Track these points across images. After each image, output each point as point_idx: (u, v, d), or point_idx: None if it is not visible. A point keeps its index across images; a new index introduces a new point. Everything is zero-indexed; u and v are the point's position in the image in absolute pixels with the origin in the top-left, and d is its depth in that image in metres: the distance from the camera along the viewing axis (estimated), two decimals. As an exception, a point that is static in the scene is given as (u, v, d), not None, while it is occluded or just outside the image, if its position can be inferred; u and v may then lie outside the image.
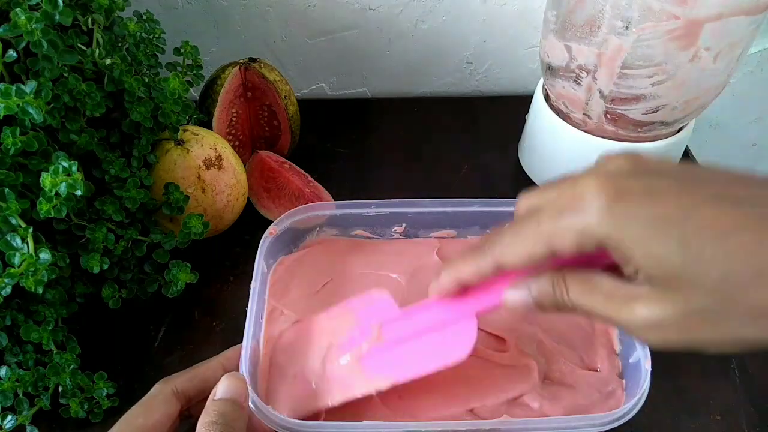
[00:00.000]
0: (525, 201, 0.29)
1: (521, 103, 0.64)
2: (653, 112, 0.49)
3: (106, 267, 0.42)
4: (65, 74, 0.40)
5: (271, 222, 0.45)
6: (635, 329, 0.25)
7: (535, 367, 0.41)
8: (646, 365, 0.38)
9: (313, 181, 0.57)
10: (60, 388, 0.41)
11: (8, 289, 0.35)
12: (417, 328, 0.36)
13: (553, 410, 0.39)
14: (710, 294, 0.23)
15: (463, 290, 0.33)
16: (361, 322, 0.38)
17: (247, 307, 0.40)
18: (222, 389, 0.32)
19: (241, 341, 0.48)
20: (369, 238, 0.50)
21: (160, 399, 0.33)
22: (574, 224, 0.25)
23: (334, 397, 0.37)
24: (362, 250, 0.49)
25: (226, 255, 0.53)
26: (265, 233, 0.45)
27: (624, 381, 0.41)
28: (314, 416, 0.38)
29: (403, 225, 0.49)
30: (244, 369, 0.36)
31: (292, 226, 0.47)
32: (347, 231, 0.49)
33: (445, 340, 0.35)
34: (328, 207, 0.47)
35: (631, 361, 0.40)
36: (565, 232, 0.25)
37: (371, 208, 0.47)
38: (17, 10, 0.36)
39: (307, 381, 0.38)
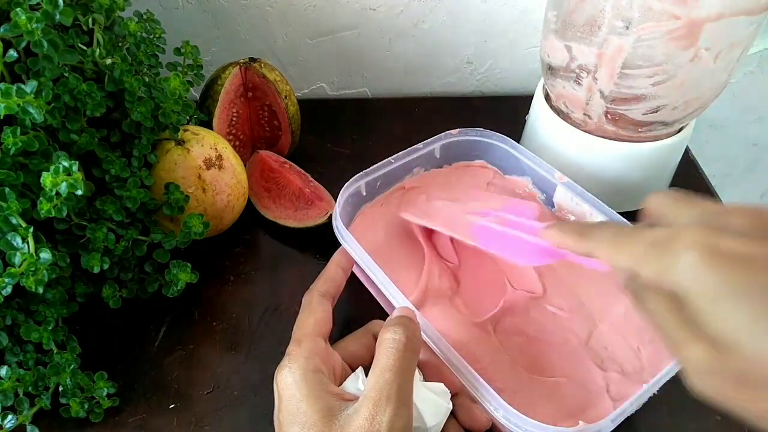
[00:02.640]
0: (655, 204, 0.30)
1: (521, 103, 0.64)
2: (653, 112, 0.49)
3: (106, 267, 0.42)
4: (66, 74, 0.40)
5: (272, 222, 0.46)
6: (684, 366, 0.26)
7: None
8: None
9: (313, 181, 0.57)
10: (60, 388, 0.41)
11: (9, 289, 0.35)
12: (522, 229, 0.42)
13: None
14: (756, 370, 0.23)
15: None
16: (503, 208, 0.46)
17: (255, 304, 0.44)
18: (398, 311, 0.39)
19: (241, 342, 0.48)
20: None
21: (315, 302, 0.40)
22: (660, 264, 0.26)
23: (436, 223, 0.46)
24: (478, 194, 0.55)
25: (227, 255, 0.53)
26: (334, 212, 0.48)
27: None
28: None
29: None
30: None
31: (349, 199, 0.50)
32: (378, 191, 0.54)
33: (526, 247, 0.40)
34: (359, 179, 0.51)
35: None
36: (651, 267, 0.26)
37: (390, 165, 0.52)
38: (18, 9, 0.36)
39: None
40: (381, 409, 0.32)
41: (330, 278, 0.43)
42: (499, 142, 0.56)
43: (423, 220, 0.48)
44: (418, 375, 0.37)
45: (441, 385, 0.37)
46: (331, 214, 0.53)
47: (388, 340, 0.35)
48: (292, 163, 0.59)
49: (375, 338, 0.38)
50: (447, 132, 0.55)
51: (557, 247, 0.35)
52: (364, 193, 0.51)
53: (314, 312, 0.39)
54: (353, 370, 0.38)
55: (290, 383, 0.34)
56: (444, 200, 0.51)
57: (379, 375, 0.33)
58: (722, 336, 0.24)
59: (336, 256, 0.45)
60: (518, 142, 0.64)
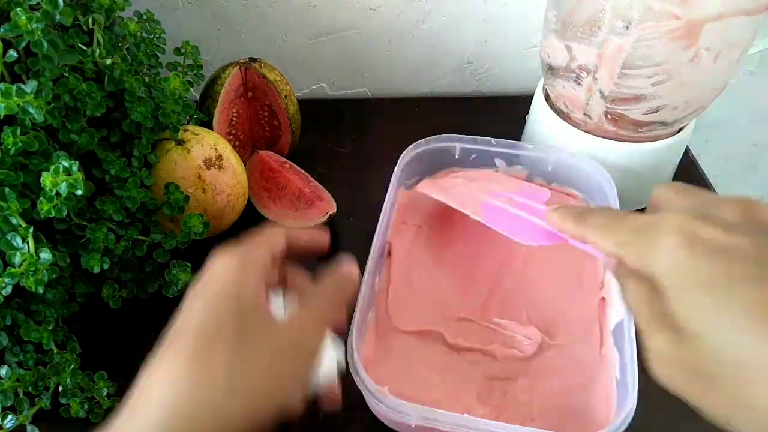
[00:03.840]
0: (657, 195, 0.30)
1: (521, 103, 0.63)
2: (653, 112, 0.49)
3: (106, 267, 0.42)
4: (66, 74, 0.40)
5: (272, 222, 0.46)
6: (647, 352, 0.26)
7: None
8: (634, 393, 0.38)
9: (313, 180, 0.57)
10: (60, 388, 0.41)
11: (9, 289, 0.35)
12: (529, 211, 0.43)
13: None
14: (718, 369, 0.23)
15: None
16: (518, 192, 0.47)
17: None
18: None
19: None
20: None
21: (272, 231, 0.37)
22: (641, 248, 0.26)
23: (449, 198, 0.47)
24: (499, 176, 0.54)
25: (227, 255, 0.53)
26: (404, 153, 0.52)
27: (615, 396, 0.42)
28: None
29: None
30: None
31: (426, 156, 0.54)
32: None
33: (533, 228, 0.41)
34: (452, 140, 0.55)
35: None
36: (633, 252, 0.27)
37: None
38: (18, 9, 0.36)
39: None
40: (315, 324, 0.32)
41: (297, 235, 0.39)
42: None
43: (436, 193, 0.48)
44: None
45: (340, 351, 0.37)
46: (330, 214, 0.53)
47: (352, 273, 0.36)
48: (292, 163, 0.59)
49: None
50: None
51: (557, 230, 0.35)
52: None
53: (270, 235, 0.37)
54: None
55: (222, 268, 0.32)
56: (465, 179, 0.52)
57: (313, 294, 0.34)
58: (685, 326, 0.24)
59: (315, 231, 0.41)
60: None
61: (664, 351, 0.25)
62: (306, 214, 0.54)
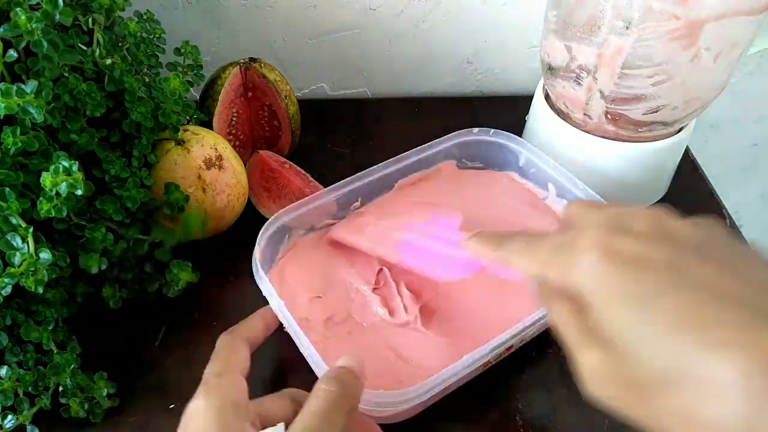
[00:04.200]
0: (568, 212, 0.30)
1: (521, 103, 0.64)
2: (653, 112, 0.49)
3: (104, 267, 0.42)
4: (66, 74, 0.40)
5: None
6: (581, 373, 0.26)
7: None
8: None
9: (314, 180, 0.57)
10: (60, 388, 0.41)
11: (8, 289, 0.35)
12: (445, 242, 0.43)
13: None
14: (650, 379, 0.23)
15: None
16: (430, 222, 0.46)
17: (255, 304, 0.43)
18: (343, 360, 0.35)
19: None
20: (333, 222, 0.53)
21: (236, 343, 0.37)
22: (562, 265, 0.27)
23: (361, 242, 0.47)
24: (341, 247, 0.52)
25: (227, 255, 0.53)
26: (254, 255, 0.45)
27: None
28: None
29: (359, 199, 0.53)
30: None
31: (273, 237, 0.48)
32: (313, 227, 0.52)
33: (451, 262, 0.41)
34: (288, 212, 0.48)
35: None
36: (555, 271, 0.27)
37: (324, 198, 0.50)
38: (17, 9, 0.36)
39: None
40: None
41: (253, 327, 0.40)
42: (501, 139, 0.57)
43: (350, 238, 0.48)
44: None
45: None
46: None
47: (320, 390, 0.32)
48: (292, 164, 0.59)
49: (294, 402, 0.35)
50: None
51: (476, 257, 0.35)
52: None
53: (236, 351, 0.36)
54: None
55: (202, 411, 0.31)
56: (371, 215, 0.51)
57: (300, 418, 0.30)
58: (613, 339, 0.24)
59: (262, 310, 0.42)
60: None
61: (595, 367, 0.25)
62: None
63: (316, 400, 0.31)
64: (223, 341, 0.37)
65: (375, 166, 0.52)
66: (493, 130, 0.56)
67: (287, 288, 0.47)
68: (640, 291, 0.23)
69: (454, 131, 0.57)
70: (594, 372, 0.25)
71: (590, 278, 0.25)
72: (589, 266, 0.25)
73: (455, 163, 0.58)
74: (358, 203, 0.53)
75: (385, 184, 0.54)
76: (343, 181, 0.51)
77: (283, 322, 0.42)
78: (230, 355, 0.36)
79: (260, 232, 0.46)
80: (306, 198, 0.49)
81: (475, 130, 0.56)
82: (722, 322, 0.21)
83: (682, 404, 0.22)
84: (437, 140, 0.55)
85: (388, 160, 0.53)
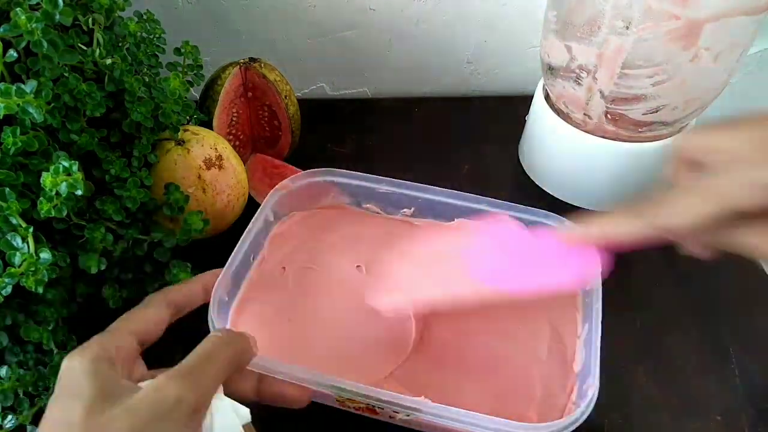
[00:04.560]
0: (696, 144, 0.28)
1: (521, 103, 0.64)
2: (654, 112, 0.49)
3: (104, 267, 0.42)
4: (65, 74, 0.40)
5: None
6: None
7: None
8: (591, 392, 0.36)
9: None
10: (60, 388, 0.40)
11: (8, 289, 0.35)
12: (527, 253, 0.38)
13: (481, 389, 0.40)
14: None
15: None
16: (482, 238, 0.41)
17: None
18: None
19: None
20: (377, 213, 0.52)
21: (153, 303, 0.37)
22: (763, 179, 0.24)
23: (440, 300, 0.39)
24: (363, 222, 0.51)
25: (227, 255, 0.53)
26: (278, 186, 0.48)
27: (575, 404, 0.39)
28: None
29: (412, 208, 0.51)
30: (214, 300, 0.40)
31: (309, 186, 0.50)
32: (360, 203, 0.52)
33: (559, 266, 0.36)
34: (344, 175, 0.50)
35: (583, 387, 0.39)
36: (755, 187, 0.25)
37: (383, 185, 0.50)
38: (17, 9, 0.36)
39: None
40: (173, 382, 0.29)
41: (186, 289, 0.39)
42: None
43: (412, 301, 0.41)
44: (220, 389, 0.33)
45: (246, 409, 0.33)
46: None
47: (211, 336, 0.33)
48: (288, 164, 0.59)
49: (170, 308, 0.37)
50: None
51: (611, 238, 0.32)
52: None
53: (145, 313, 0.36)
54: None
55: (75, 366, 0.30)
56: (409, 264, 0.43)
57: (186, 359, 0.31)
58: None
59: (206, 274, 0.41)
60: (518, 142, 0.64)
61: None
62: None
63: (203, 343, 0.32)
64: (145, 299, 0.38)
65: (442, 190, 0.48)
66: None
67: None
68: None
69: (455, 131, 0.57)
70: None
71: None
72: None
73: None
74: (410, 211, 0.51)
75: (445, 212, 0.49)
76: (405, 182, 0.49)
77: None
78: (134, 314, 0.36)
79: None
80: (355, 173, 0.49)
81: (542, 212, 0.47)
82: None
83: None
84: (520, 206, 0.46)
85: (463, 194, 0.48)
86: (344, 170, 0.50)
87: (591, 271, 0.35)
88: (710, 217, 0.26)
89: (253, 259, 0.47)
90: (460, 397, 0.39)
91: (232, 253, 0.42)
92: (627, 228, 0.31)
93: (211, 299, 0.39)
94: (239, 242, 0.43)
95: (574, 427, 0.34)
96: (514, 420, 0.34)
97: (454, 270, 0.39)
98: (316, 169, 0.49)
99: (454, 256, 0.40)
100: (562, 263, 0.36)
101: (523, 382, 0.41)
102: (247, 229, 0.45)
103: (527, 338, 0.43)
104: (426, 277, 0.41)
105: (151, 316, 0.36)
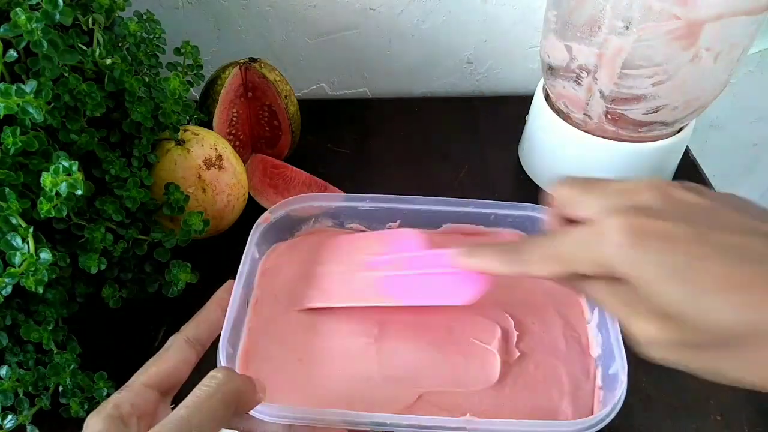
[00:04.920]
0: (562, 197, 0.31)
1: (521, 103, 0.64)
2: (654, 112, 0.49)
3: (103, 267, 0.42)
4: (66, 74, 0.40)
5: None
6: (638, 341, 0.27)
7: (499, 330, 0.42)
8: (623, 377, 0.37)
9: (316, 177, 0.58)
10: (60, 388, 0.41)
11: (9, 289, 0.35)
12: (428, 267, 0.40)
13: (516, 396, 0.40)
14: (708, 336, 0.25)
15: None
16: (389, 248, 0.43)
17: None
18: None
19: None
20: (363, 231, 0.50)
21: (173, 348, 0.35)
22: (594, 258, 0.27)
23: (341, 301, 0.42)
24: (352, 240, 0.48)
25: (227, 255, 0.53)
26: (259, 219, 0.46)
27: (601, 389, 0.40)
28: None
29: (398, 221, 0.48)
30: (222, 352, 0.37)
31: (289, 215, 0.47)
32: (343, 223, 0.50)
33: (452, 283, 0.38)
34: (323, 198, 0.48)
35: (610, 372, 0.39)
36: (586, 262, 0.27)
37: (366, 203, 0.48)
38: (17, 9, 0.36)
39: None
40: None
41: (204, 320, 0.38)
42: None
43: (320, 301, 0.43)
44: None
45: None
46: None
47: (205, 379, 0.31)
48: (288, 164, 0.60)
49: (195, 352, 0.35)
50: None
51: (484, 272, 0.35)
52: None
53: (165, 360, 0.35)
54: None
55: (90, 425, 0.30)
56: (320, 263, 0.45)
57: (176, 410, 0.29)
58: (667, 310, 0.25)
59: (217, 293, 0.40)
60: (518, 142, 0.64)
61: (653, 336, 0.26)
62: None
63: (197, 389, 0.30)
64: (168, 342, 0.36)
65: (426, 198, 0.47)
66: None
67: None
68: (681, 263, 0.25)
69: (455, 131, 0.56)
70: (653, 339, 0.26)
71: (628, 263, 0.26)
72: (624, 252, 0.25)
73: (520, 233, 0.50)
74: (396, 224, 0.49)
75: (431, 221, 0.48)
76: (387, 196, 0.47)
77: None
78: (153, 365, 0.34)
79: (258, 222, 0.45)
80: (334, 194, 0.47)
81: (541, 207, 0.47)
82: None
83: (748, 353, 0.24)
84: (506, 203, 0.47)
85: (448, 199, 0.47)
86: (322, 193, 0.49)
87: (476, 289, 0.37)
88: (556, 273, 0.29)
89: (248, 302, 0.44)
90: (497, 405, 0.39)
91: (230, 300, 0.39)
92: (494, 267, 0.33)
93: (218, 353, 0.37)
94: (234, 288, 0.41)
95: (617, 409, 0.35)
96: (552, 415, 0.36)
97: (362, 279, 0.42)
98: (294, 197, 0.47)
99: (363, 265, 0.43)
100: (449, 282, 0.38)
101: (551, 375, 0.41)
102: (238, 272, 0.42)
103: (542, 332, 0.43)
104: (339, 284, 0.43)
105: (171, 361, 0.35)
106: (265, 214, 0.46)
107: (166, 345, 0.36)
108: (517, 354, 0.41)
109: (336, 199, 0.48)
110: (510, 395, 0.40)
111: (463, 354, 0.41)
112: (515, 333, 0.42)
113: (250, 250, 0.44)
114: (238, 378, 0.31)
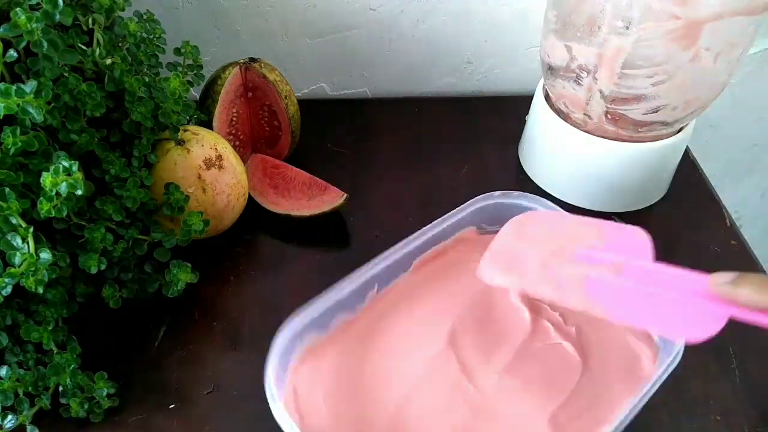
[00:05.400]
0: None
1: (521, 103, 0.64)
2: (653, 112, 0.49)
3: (103, 267, 0.42)
4: (66, 74, 0.40)
5: (275, 220, 0.44)
6: None
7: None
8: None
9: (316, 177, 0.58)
10: (60, 388, 0.41)
11: (9, 289, 0.35)
12: (658, 284, 0.33)
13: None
14: None
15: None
16: (608, 246, 0.36)
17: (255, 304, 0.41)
18: None
19: (241, 342, 0.48)
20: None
21: None
22: None
23: (543, 290, 0.36)
24: (566, 222, 0.42)
25: (227, 255, 0.53)
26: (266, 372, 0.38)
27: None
28: None
29: (376, 286, 0.44)
30: None
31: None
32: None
33: (685, 313, 0.32)
34: (300, 316, 0.40)
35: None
36: None
37: (339, 292, 0.42)
38: (17, 9, 0.36)
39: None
40: None
41: None
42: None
43: (518, 281, 0.37)
44: None
45: None
46: (346, 197, 0.53)
47: None
48: (288, 164, 0.59)
49: None
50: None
51: (736, 304, 0.29)
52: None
53: None
54: None
55: None
56: (525, 240, 0.39)
57: None
58: None
59: None
60: (518, 142, 0.64)
61: None
62: (322, 200, 0.55)
63: None
64: None
65: (389, 250, 0.44)
66: (517, 193, 0.48)
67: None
68: None
69: (455, 131, 0.56)
70: None
71: None
72: None
73: (475, 229, 0.49)
74: (374, 290, 0.44)
75: (402, 266, 0.46)
76: (356, 271, 0.42)
77: None
78: None
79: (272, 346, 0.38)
80: (316, 297, 0.40)
81: (496, 193, 0.48)
82: None
83: None
84: (453, 212, 0.46)
85: (403, 241, 0.44)
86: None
87: (704, 333, 0.30)
88: None
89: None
90: (608, 401, 0.38)
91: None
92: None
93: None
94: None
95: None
96: None
97: (571, 273, 0.36)
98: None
99: (574, 257, 0.37)
100: (680, 310, 0.32)
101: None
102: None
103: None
104: (540, 268, 0.37)
105: None
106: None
107: None
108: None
109: (329, 298, 0.41)
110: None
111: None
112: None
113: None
114: None
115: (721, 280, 0.29)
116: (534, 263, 0.37)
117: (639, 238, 0.36)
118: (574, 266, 0.36)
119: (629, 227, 0.38)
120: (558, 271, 0.36)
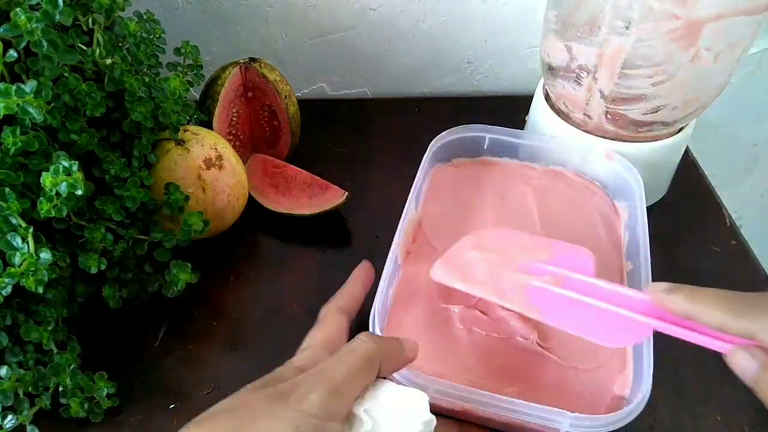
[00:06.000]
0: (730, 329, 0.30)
1: (521, 103, 0.64)
2: (653, 112, 0.49)
3: (103, 267, 0.42)
4: (65, 74, 0.40)
5: (276, 220, 0.45)
6: None
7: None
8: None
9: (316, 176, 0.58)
10: (60, 388, 0.41)
11: (9, 289, 0.35)
12: (593, 296, 0.37)
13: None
14: None
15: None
16: (554, 260, 0.40)
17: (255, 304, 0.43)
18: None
19: (241, 342, 0.48)
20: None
21: (329, 316, 0.40)
22: None
23: (480, 288, 0.40)
24: (519, 237, 0.46)
25: (227, 255, 0.53)
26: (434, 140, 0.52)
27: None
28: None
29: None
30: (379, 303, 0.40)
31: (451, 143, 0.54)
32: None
33: (613, 323, 0.35)
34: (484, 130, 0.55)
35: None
36: None
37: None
38: (17, 9, 0.36)
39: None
40: (306, 384, 0.29)
41: (349, 293, 0.43)
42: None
43: (461, 283, 0.41)
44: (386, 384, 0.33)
45: (422, 396, 0.32)
46: (347, 196, 0.53)
47: (354, 341, 0.33)
48: (288, 164, 0.59)
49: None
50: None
51: (669, 311, 0.32)
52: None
53: (325, 327, 0.39)
54: None
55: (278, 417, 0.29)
56: (479, 249, 0.43)
57: (327, 361, 0.31)
58: None
59: (356, 272, 0.45)
60: (518, 142, 0.64)
61: None
62: (322, 199, 0.55)
63: (343, 348, 0.32)
64: (319, 315, 0.40)
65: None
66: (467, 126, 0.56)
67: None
68: None
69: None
70: None
71: None
72: None
73: (443, 164, 0.57)
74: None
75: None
76: None
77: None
78: (317, 332, 0.38)
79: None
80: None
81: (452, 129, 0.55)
82: None
83: None
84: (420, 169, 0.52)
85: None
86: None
87: (630, 341, 0.34)
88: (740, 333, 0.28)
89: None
90: None
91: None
92: (714, 319, 0.30)
93: (373, 311, 0.40)
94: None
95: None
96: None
97: (514, 280, 0.40)
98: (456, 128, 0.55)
99: (519, 267, 0.40)
100: (610, 319, 0.35)
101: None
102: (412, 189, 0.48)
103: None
104: (487, 273, 0.41)
105: (331, 327, 0.39)
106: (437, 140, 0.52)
107: (319, 317, 0.40)
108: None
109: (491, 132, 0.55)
110: None
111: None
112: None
113: (424, 166, 0.50)
114: (381, 339, 0.34)
115: (658, 288, 0.32)
116: (482, 269, 0.41)
117: (583, 257, 0.40)
118: (519, 274, 0.40)
119: (576, 247, 0.42)
120: (503, 277, 0.40)
